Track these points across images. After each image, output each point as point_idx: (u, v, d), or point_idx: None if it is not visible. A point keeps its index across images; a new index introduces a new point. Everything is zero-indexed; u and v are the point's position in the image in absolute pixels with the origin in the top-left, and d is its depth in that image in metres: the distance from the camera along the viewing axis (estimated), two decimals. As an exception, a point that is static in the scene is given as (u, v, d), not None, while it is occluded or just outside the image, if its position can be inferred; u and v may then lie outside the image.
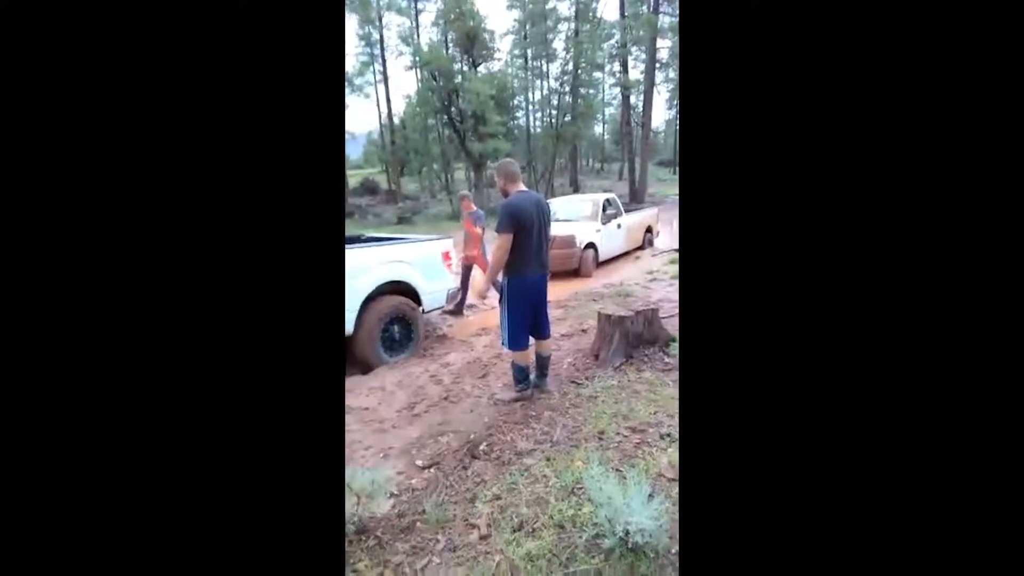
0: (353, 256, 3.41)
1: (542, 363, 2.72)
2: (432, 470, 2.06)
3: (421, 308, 3.84)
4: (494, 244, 2.49)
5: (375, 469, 1.74)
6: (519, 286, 2.49)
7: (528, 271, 2.47)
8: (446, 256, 4.09)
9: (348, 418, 2.60)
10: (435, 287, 3.94)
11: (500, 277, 2.60)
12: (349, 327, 3.34)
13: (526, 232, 2.40)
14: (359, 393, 2.98)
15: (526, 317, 2.55)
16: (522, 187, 2.55)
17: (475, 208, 5.10)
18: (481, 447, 2.17)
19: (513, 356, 2.63)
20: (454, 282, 4.21)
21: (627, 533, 1.35)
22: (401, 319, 3.67)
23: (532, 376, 2.72)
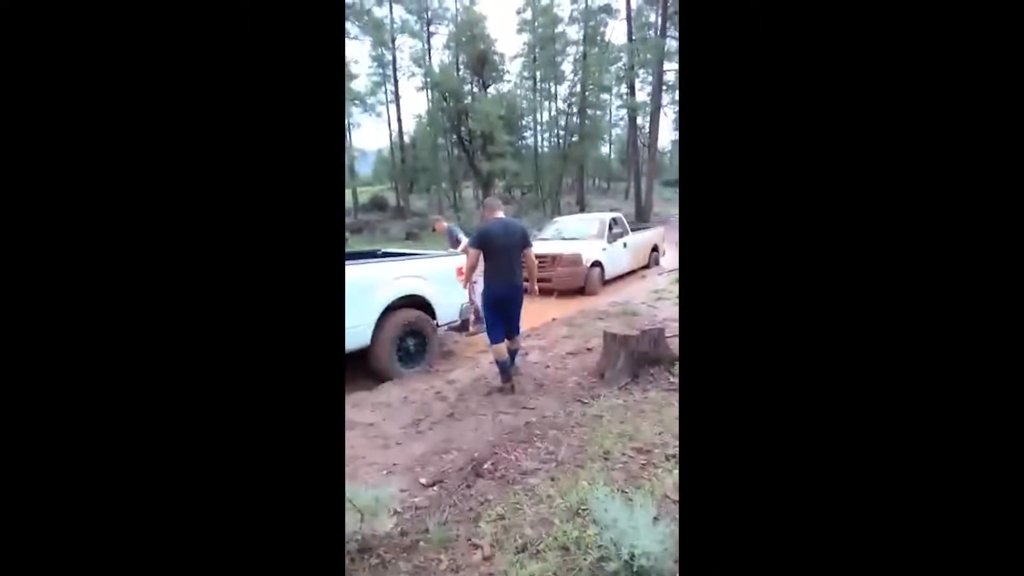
0: (371, 270, 3.51)
1: (512, 354, 3.34)
2: (436, 488, 2.05)
3: (435, 322, 3.86)
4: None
5: (379, 486, 1.73)
6: (488, 294, 3.16)
7: (496, 283, 3.12)
8: (459, 271, 4.13)
9: (353, 434, 2.60)
10: (449, 301, 3.97)
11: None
12: (367, 339, 3.37)
13: (490, 250, 3.06)
14: (364, 408, 2.98)
15: (496, 318, 3.18)
16: (499, 215, 3.24)
17: (447, 225, 5.69)
18: (485, 466, 2.16)
19: (492, 353, 3.24)
20: (467, 297, 4.26)
21: (632, 556, 1.33)
22: (417, 332, 3.71)
23: (513, 363, 3.29)
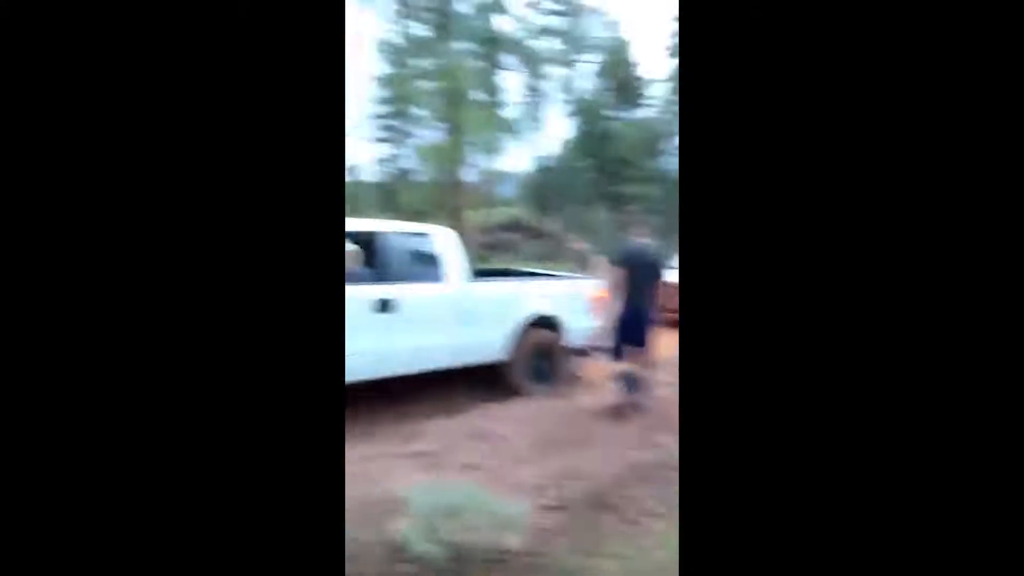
0: (510, 287, 3.86)
1: (639, 378, 3.36)
2: (559, 513, 2.11)
3: (565, 344, 3.97)
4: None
5: (509, 501, 1.85)
6: (619, 314, 3.32)
7: (629, 304, 3.27)
8: (595, 299, 4.16)
9: (486, 445, 2.80)
10: (579, 325, 4.05)
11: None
12: (503, 353, 3.62)
13: (629, 270, 3.27)
14: (498, 420, 3.18)
15: (624, 339, 3.33)
16: (640, 240, 3.45)
17: (583, 245, 5.83)
18: (609, 499, 2.17)
19: (617, 368, 3.37)
20: (597, 323, 4.29)
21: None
22: (550, 353, 3.86)
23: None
